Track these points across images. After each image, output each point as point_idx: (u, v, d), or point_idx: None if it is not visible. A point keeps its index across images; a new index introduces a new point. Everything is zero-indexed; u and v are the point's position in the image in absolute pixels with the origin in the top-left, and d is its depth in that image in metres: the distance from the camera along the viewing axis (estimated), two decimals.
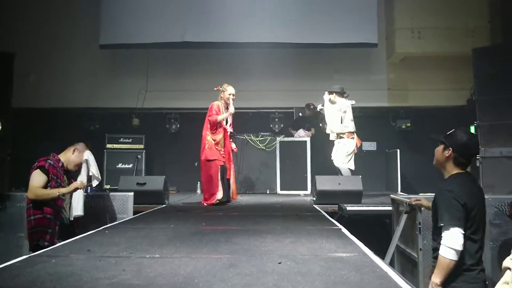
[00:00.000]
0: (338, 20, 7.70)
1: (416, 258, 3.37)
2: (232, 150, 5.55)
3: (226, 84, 5.37)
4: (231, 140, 5.49)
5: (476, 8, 7.79)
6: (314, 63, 8.38)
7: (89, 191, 4.07)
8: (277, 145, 7.57)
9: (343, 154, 6.02)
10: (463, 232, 2.31)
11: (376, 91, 8.43)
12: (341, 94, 6.21)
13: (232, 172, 5.56)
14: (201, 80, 8.06)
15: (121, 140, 7.92)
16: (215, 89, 5.40)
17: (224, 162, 5.25)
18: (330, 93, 6.23)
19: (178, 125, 8.45)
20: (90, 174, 4.24)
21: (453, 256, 2.30)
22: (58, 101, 8.17)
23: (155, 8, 7.81)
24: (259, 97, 8.24)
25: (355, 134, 6.10)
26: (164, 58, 8.41)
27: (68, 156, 3.65)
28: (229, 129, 5.41)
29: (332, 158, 6.12)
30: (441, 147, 2.58)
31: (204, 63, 8.20)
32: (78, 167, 3.75)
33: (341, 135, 6.06)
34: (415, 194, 6.44)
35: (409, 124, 8.27)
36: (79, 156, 3.71)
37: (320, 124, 7.36)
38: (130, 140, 7.96)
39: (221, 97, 5.34)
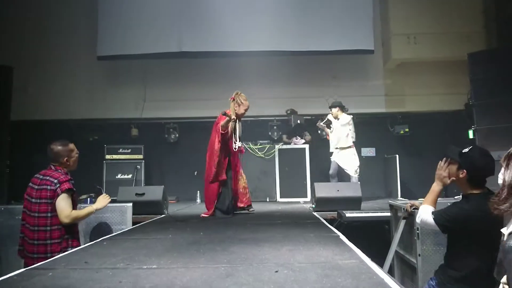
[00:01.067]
0: (334, 27, 7.76)
1: (415, 264, 3.36)
2: (240, 151, 5.10)
3: (245, 98, 4.85)
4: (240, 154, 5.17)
5: (471, 14, 7.85)
6: (311, 70, 8.43)
7: (88, 202, 4.06)
8: (276, 153, 7.59)
9: (355, 164, 6.50)
10: (437, 227, 2.49)
11: (373, 97, 8.46)
12: (343, 108, 6.65)
13: (238, 179, 5.16)
14: (199, 90, 8.11)
15: (120, 150, 7.94)
16: (229, 100, 4.87)
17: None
18: (334, 107, 6.64)
19: (177, 135, 8.47)
20: None
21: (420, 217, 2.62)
22: (57, 113, 8.22)
23: (152, 19, 7.87)
24: (257, 105, 8.22)
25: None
26: (162, 68, 8.45)
27: (64, 165, 3.48)
28: (237, 144, 4.91)
29: (345, 168, 6.51)
30: (455, 166, 2.53)
31: (201, 73, 8.24)
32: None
33: (350, 146, 6.51)
34: (415, 199, 6.45)
35: (407, 129, 8.30)
36: (75, 156, 3.59)
37: (318, 132, 7.39)
38: (129, 151, 7.97)
39: (235, 110, 4.79)
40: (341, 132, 6.53)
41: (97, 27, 7.97)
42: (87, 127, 8.42)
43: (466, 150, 2.52)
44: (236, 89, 8.04)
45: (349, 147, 6.53)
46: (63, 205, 3.23)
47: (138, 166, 7.83)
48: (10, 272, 2.09)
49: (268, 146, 7.64)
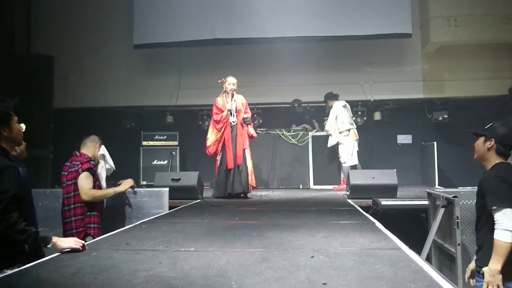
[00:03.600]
0: (370, 10, 7.54)
1: (454, 253, 3.28)
2: (250, 135, 5.71)
3: (229, 76, 5.68)
4: (245, 125, 5.64)
5: None
6: (345, 55, 8.27)
7: (133, 192, 4.21)
8: (310, 140, 7.54)
9: (342, 152, 6.68)
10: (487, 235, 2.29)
11: (410, 82, 8.22)
12: (334, 97, 6.92)
13: (249, 159, 5.67)
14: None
15: (156, 137, 8.11)
16: (219, 81, 5.69)
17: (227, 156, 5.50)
18: (325, 101, 7.04)
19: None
20: (108, 167, 4.39)
21: (511, 239, 2.26)
22: (96, 101, 8.49)
23: (185, 7, 7.94)
24: (290, 92, 8.21)
25: (351, 130, 6.72)
26: (195, 55, 8.53)
27: (94, 152, 3.75)
28: (241, 116, 5.59)
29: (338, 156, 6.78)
30: (481, 140, 2.64)
31: (234, 60, 8.25)
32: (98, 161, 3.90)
33: (341, 133, 6.72)
34: (453, 187, 6.26)
35: (446, 116, 8.00)
36: (99, 151, 3.85)
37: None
38: (164, 137, 8.14)
39: (224, 89, 5.67)
40: (329, 119, 6.85)
41: (133, 16, 8.13)
42: (124, 114, 8.66)
43: (488, 125, 2.65)
44: (268, 75, 8.09)
45: (341, 133, 6.71)
46: (83, 183, 3.51)
47: (173, 152, 7.98)
48: (56, 253, 2.21)
49: (301, 133, 7.59)
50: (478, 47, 7.72)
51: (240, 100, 5.67)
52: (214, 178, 5.69)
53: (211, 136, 5.59)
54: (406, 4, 7.56)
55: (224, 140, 5.53)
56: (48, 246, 2.21)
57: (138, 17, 8.09)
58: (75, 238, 2.33)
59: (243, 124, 5.61)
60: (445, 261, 3.65)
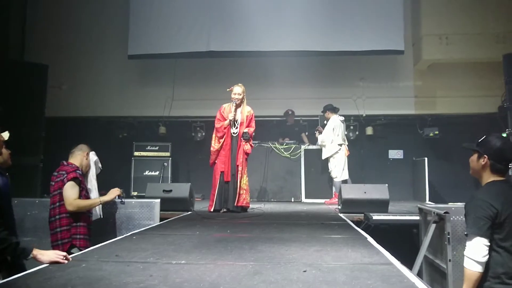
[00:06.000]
0: (363, 27, 7.65)
1: (445, 269, 3.28)
2: (244, 151, 5.29)
3: (236, 85, 5.40)
4: (243, 140, 5.27)
5: (506, 13, 7.58)
6: (339, 70, 8.37)
7: (120, 201, 4.13)
8: (302, 153, 7.56)
9: (334, 166, 6.74)
10: (488, 244, 2.24)
11: (402, 98, 8.32)
12: (334, 110, 6.96)
13: (240, 176, 5.22)
14: (226, 89, 8.11)
15: (148, 148, 8.08)
16: (228, 90, 5.42)
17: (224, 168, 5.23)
18: (323, 111, 7.02)
19: (204, 133, 8.54)
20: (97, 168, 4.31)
21: (476, 268, 2.24)
22: (88, 110, 8.46)
23: (181, 19, 7.99)
24: (283, 105, 8.24)
25: (343, 146, 6.79)
26: (190, 67, 8.56)
27: (82, 161, 3.69)
28: (241, 130, 5.26)
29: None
30: (475, 155, 2.50)
31: (228, 72, 8.28)
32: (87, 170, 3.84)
33: (334, 148, 6.75)
34: (443, 203, 6.30)
35: (437, 132, 8.08)
36: (88, 160, 3.79)
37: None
38: (157, 148, 8.10)
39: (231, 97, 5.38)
40: (325, 132, 6.88)
41: (128, 27, 8.16)
42: (117, 124, 8.63)
43: (481, 139, 2.50)
44: (262, 88, 8.12)
45: (334, 148, 6.75)
46: (68, 193, 3.44)
47: (165, 163, 7.94)
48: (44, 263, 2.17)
49: (294, 146, 7.61)
50: (469, 65, 7.84)
51: (245, 112, 5.34)
52: (212, 190, 5.28)
53: (214, 144, 5.33)
54: (399, 21, 7.69)
55: (223, 150, 5.26)
56: (27, 258, 2.16)
57: (133, 27, 8.12)
58: (56, 251, 2.27)
59: (241, 138, 5.27)
60: (436, 277, 3.65)
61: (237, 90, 5.31)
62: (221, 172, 5.23)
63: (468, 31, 7.53)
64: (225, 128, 5.26)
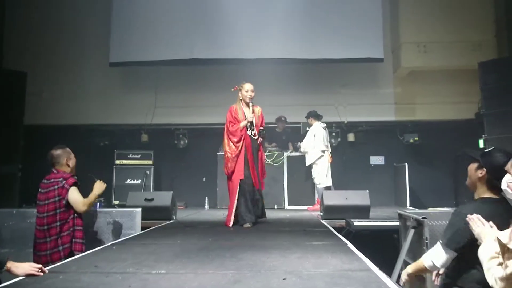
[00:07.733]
0: (344, 35, 7.77)
1: (424, 274, 3.33)
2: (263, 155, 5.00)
3: (243, 82, 4.89)
4: (260, 138, 4.84)
5: (482, 22, 7.81)
6: (320, 78, 8.45)
7: (98, 206, 4.11)
8: (285, 160, 7.59)
9: (317, 173, 6.82)
10: (454, 258, 2.26)
11: (383, 105, 8.45)
12: (317, 117, 7.06)
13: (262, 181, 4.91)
14: (208, 96, 8.14)
15: (130, 156, 8.00)
16: (232, 89, 4.96)
17: (244, 175, 4.64)
18: (307, 117, 7.10)
19: (187, 141, 8.50)
20: None
21: (429, 267, 2.35)
22: (69, 118, 8.32)
23: (164, 26, 7.96)
24: (265, 112, 8.21)
25: (325, 152, 6.88)
26: (173, 74, 8.52)
27: (70, 163, 3.63)
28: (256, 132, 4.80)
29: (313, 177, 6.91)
30: (474, 165, 2.36)
31: (211, 79, 8.29)
32: None
33: (317, 154, 6.83)
34: (424, 208, 6.39)
35: (416, 138, 8.23)
36: (73, 156, 3.71)
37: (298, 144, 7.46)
38: (138, 156, 8.03)
39: (240, 97, 4.84)
40: (306, 137, 6.99)
41: (110, 33, 8.08)
42: (98, 132, 8.50)
43: (488, 150, 2.38)
44: None
45: (316, 154, 6.83)
46: (76, 196, 3.47)
47: (148, 172, 7.86)
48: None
49: (276, 153, 7.63)
50: (447, 72, 8.02)
51: (257, 111, 4.87)
52: (234, 203, 4.61)
53: (230, 150, 4.67)
54: (378, 30, 7.84)
55: (243, 156, 4.65)
56: (1, 271, 2.11)
57: (115, 35, 8.05)
58: (31, 263, 2.22)
59: (260, 137, 4.82)
60: (415, 282, 3.70)
61: (250, 87, 4.80)
62: (240, 180, 4.62)
63: (445, 39, 7.71)
64: (241, 130, 4.69)
